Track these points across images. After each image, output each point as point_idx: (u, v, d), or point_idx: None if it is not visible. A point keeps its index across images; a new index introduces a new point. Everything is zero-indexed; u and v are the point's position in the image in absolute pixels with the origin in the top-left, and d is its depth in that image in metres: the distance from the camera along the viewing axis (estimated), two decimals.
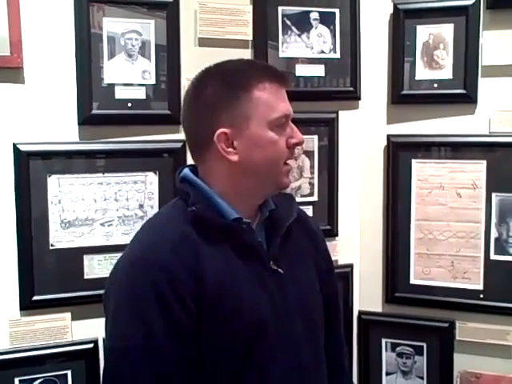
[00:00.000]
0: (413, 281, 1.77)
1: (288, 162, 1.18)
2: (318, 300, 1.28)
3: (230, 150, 1.14)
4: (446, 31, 1.73)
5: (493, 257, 1.71)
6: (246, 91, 1.13)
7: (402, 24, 1.74)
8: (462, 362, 1.76)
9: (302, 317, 1.20)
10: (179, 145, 1.63)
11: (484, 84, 1.71)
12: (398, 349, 1.79)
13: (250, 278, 1.15)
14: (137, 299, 1.08)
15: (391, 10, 1.76)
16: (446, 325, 1.75)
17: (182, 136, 1.66)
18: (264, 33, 1.73)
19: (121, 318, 1.09)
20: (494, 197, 1.71)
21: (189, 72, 1.65)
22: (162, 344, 1.07)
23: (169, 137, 1.65)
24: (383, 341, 1.80)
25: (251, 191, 1.18)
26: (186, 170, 1.22)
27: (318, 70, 1.77)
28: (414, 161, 1.76)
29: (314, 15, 1.77)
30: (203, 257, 1.10)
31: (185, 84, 1.65)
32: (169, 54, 1.65)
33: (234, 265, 1.13)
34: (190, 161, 1.61)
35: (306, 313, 1.22)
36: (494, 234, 1.71)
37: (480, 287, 1.73)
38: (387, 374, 1.81)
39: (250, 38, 1.72)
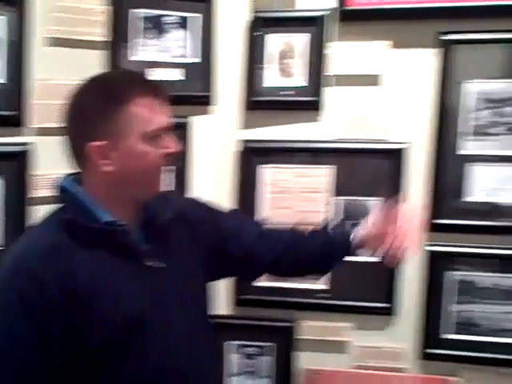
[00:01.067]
0: (258, 283, 1.81)
1: (161, 170, 1.24)
2: (201, 292, 1.35)
3: (105, 161, 1.18)
4: (298, 40, 1.79)
5: None
6: (121, 105, 1.17)
7: (256, 31, 1.78)
8: (304, 360, 1.84)
9: (183, 310, 1.27)
10: (23, 148, 1.60)
11: (333, 92, 1.79)
12: (244, 350, 1.84)
13: (126, 277, 1.21)
14: (5, 304, 1.14)
15: (247, 18, 1.80)
16: (289, 324, 1.82)
17: (26, 139, 1.65)
18: (119, 35, 1.73)
19: None
20: (338, 200, 1.80)
21: (38, 72, 1.64)
22: (27, 345, 1.12)
23: (13, 139, 1.62)
24: (230, 343, 1.84)
25: (127, 198, 1.24)
26: (67, 178, 1.26)
27: (174, 74, 1.78)
28: (265, 165, 1.82)
29: (170, 19, 1.77)
30: (76, 262, 1.16)
31: (34, 85, 1.63)
32: (17, 54, 1.61)
33: (109, 266, 1.19)
34: (39, 165, 1.63)
35: (188, 306, 1.28)
36: None
37: (322, 287, 1.82)
38: (234, 375, 1.86)
39: (104, 39, 1.71)
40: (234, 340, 1.84)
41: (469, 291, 1.78)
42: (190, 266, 1.32)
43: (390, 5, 1.71)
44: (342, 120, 1.80)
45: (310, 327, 1.83)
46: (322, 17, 1.76)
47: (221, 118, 1.84)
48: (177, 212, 1.32)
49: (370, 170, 1.79)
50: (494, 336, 1.78)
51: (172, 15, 1.77)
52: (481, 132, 1.73)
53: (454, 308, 1.79)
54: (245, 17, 1.80)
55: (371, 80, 1.77)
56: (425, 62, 1.74)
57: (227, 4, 1.80)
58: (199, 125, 1.82)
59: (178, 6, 1.77)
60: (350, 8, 1.73)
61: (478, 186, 1.76)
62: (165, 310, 1.24)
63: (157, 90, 1.22)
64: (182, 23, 1.77)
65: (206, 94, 1.80)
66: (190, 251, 1.34)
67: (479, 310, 1.78)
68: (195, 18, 1.78)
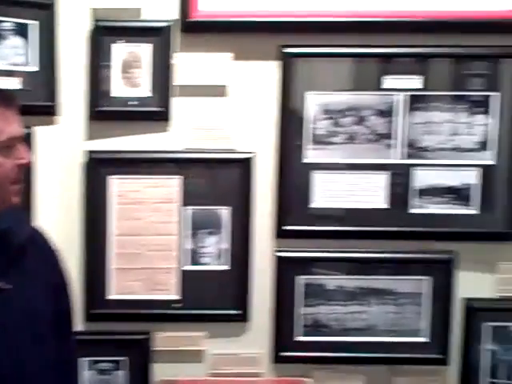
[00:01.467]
0: (111, 296, 1.80)
1: (13, 181, 1.19)
2: (46, 315, 1.29)
3: None
4: (143, 50, 1.78)
5: (187, 267, 1.82)
6: None
7: (100, 41, 1.76)
8: (160, 372, 1.83)
9: (28, 331, 1.22)
10: None
11: (178, 103, 1.79)
12: (97, 366, 1.79)
13: None
14: None
15: (90, 26, 1.76)
16: (144, 337, 1.80)
17: None
18: None
19: None
20: (188, 210, 1.81)
21: None
22: None
23: None
24: (82, 360, 1.75)
25: None
26: None
27: (12, 83, 1.70)
28: (113, 176, 1.79)
29: (7, 25, 1.69)
30: None
31: None
32: None
33: None
34: None
35: (33, 327, 1.23)
36: (187, 245, 1.81)
37: (176, 297, 1.82)
38: None
39: None
40: (86, 356, 1.78)
41: (316, 294, 1.85)
42: (37, 289, 1.28)
43: (232, 18, 1.75)
44: (189, 130, 1.81)
45: (164, 338, 1.82)
46: (166, 27, 1.76)
47: (66, 128, 1.79)
48: (31, 235, 1.29)
49: (218, 179, 1.82)
50: (340, 336, 1.87)
51: (9, 21, 1.69)
52: (322, 141, 1.82)
53: (303, 311, 1.86)
54: (87, 25, 1.76)
55: (217, 91, 1.80)
56: (268, 73, 1.80)
57: (68, 12, 1.75)
58: (43, 136, 1.75)
59: (15, 13, 1.69)
60: (192, 20, 1.75)
61: (322, 193, 1.84)
62: (10, 329, 1.19)
63: (6, 98, 1.19)
64: (20, 30, 1.70)
65: (49, 103, 1.74)
66: (39, 276, 1.30)
67: (326, 311, 1.86)
68: (35, 25, 1.71)
